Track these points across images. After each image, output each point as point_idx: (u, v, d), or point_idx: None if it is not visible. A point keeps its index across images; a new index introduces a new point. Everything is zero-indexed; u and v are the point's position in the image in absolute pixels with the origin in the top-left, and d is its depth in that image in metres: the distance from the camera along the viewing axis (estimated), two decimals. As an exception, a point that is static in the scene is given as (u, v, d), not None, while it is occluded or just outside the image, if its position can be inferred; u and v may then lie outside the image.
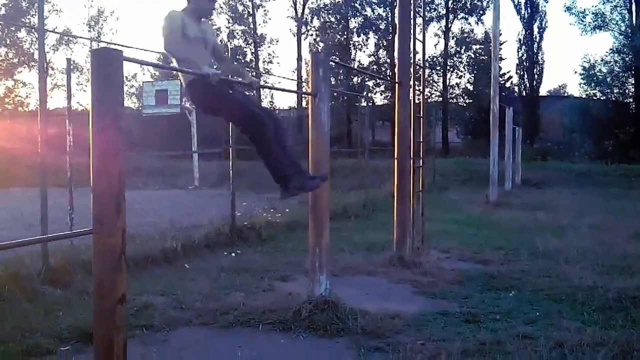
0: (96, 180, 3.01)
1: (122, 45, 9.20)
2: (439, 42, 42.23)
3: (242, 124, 4.24)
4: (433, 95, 41.57)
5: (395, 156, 7.53)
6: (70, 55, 41.44)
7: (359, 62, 42.74)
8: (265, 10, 43.69)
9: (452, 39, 42.39)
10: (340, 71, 38.42)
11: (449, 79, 42.73)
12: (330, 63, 5.71)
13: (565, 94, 48.47)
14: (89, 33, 41.66)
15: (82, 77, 39.53)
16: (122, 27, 53.26)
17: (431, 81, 41.28)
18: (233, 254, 7.68)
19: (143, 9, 67.27)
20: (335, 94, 32.56)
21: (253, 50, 42.50)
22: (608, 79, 36.45)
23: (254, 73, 39.89)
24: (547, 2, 42.07)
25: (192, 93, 4.26)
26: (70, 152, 6.86)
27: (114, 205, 3.00)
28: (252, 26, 42.52)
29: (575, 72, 45.63)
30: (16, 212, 9.56)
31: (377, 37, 42.49)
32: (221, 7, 41.75)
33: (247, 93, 4.19)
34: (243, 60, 40.80)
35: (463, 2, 41.92)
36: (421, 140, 8.09)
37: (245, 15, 42.26)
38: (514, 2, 41.26)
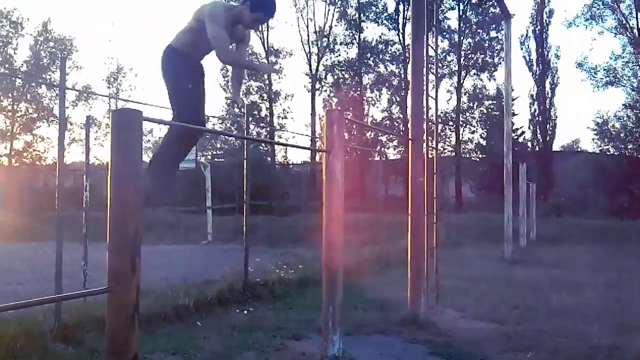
0: (112, 237, 3.03)
1: (140, 103, 9.41)
2: (451, 97, 42.74)
3: (178, 117, 4.49)
4: (446, 150, 41.76)
5: (409, 212, 7.52)
6: (89, 111, 42.36)
7: (372, 117, 43.26)
8: (280, 66, 44.59)
9: (465, 94, 42.90)
10: (354, 126, 38.82)
11: (462, 134, 43.03)
12: (344, 120, 5.79)
13: (579, 149, 48.48)
14: (107, 89, 42.62)
15: (100, 132, 40.25)
16: (140, 83, 54.53)
17: (444, 136, 41.56)
18: (245, 312, 7.61)
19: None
20: (348, 149, 32.80)
21: (268, 106, 43.16)
22: (621, 135, 36.52)
23: (268, 128, 40.47)
24: (558, 59, 42.54)
25: (166, 58, 4.54)
26: (87, 207, 6.93)
27: (130, 263, 3.01)
28: (267, 82, 43.30)
29: (588, 127, 45.82)
30: (31, 265, 9.58)
31: (389, 92, 43.09)
32: (237, 64, 42.52)
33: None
34: (258, 116, 41.41)
35: (475, 59, 42.55)
36: (435, 196, 8.09)
37: (261, 73, 43.04)
38: (525, 59, 41.89)
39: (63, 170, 6.16)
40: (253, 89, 43.14)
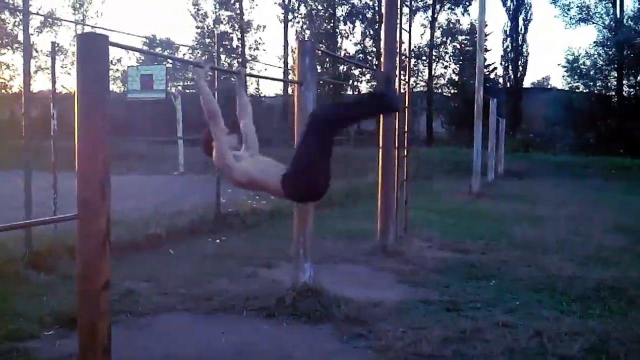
0: (81, 165, 3.01)
1: (108, 30, 9.13)
2: (425, 32, 42.23)
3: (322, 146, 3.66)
4: (418, 85, 41.67)
5: (380, 145, 7.58)
6: (54, 38, 40.98)
7: (345, 50, 42.66)
8: (252, -4, 43.39)
9: (438, 29, 42.42)
10: (327, 59, 38.32)
11: (435, 69, 42.85)
12: (317, 52, 5.73)
13: (549, 87, 48.76)
14: (73, 16, 41.12)
15: (67, 60, 39.06)
16: (107, 9, 52.70)
17: (416, 71, 41.35)
18: (217, 241, 7.70)
19: (128, -8, 66.41)
20: (321, 82, 32.50)
21: (239, 37, 42.24)
22: (591, 72, 36.76)
23: (240, 59, 39.78)
24: (533, -6, 42.00)
25: (291, 193, 3.55)
26: (54, 136, 6.82)
27: (99, 190, 3.01)
28: (238, 12, 42.21)
29: (559, 64, 45.94)
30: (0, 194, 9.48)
31: (363, 25, 42.39)
32: (208, -8, 41.41)
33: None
34: (229, 47, 40.57)
35: (450, -8, 41.94)
36: (406, 130, 8.14)
37: (232, 1, 41.92)
38: (500, -7, 41.36)
39: (29, 98, 6.02)
40: (224, 19, 42.10)
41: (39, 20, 38.15)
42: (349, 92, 34.63)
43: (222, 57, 36.05)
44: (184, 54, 38.43)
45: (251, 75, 44.42)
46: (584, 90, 37.36)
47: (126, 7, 64.68)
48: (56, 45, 16.01)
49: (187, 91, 34.11)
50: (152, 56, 31.76)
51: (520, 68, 41.63)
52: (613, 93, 36.96)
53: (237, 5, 41.87)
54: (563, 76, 39.72)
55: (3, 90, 38.70)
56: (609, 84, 37.15)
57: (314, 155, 3.43)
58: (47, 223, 4.64)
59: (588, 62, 37.14)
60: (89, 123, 2.99)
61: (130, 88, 19.89)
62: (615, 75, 36.39)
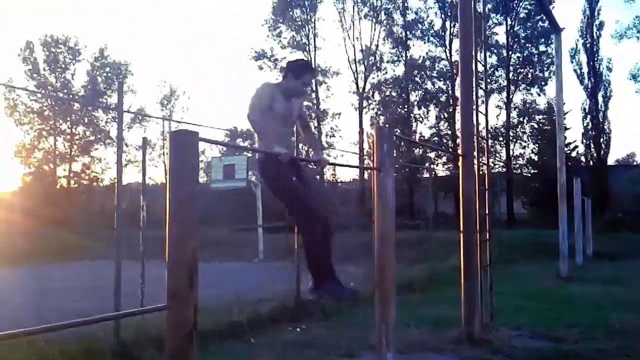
0: (171, 256, 3.11)
1: (194, 124, 9.64)
2: (500, 112, 42.15)
3: (293, 213, 4.41)
4: (496, 166, 41.14)
5: (461, 229, 7.44)
6: (143, 133, 43.54)
7: (420, 134, 42.99)
8: (327, 86, 44.83)
9: (514, 109, 42.25)
10: (402, 143, 38.66)
11: (513, 149, 42.33)
12: (393, 137, 5.80)
13: (635, 163, 46.97)
14: (161, 112, 43.76)
15: (154, 154, 41.31)
16: (192, 104, 55.92)
17: (494, 152, 40.95)
18: (298, 329, 7.64)
19: (212, 87, 70.30)
20: (397, 166, 32.66)
21: (316, 125, 43.47)
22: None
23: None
24: (610, 71, 41.44)
25: (261, 167, 4.45)
26: (144, 226, 7.12)
27: (188, 280, 3.09)
28: (315, 101, 43.64)
29: (645, 140, 44.41)
30: (90, 284, 9.87)
31: (437, 109, 42.81)
32: (286, 84, 43.16)
33: (316, 175, 4.30)
34: (305, 135, 41.65)
35: (524, 73, 41.93)
36: (486, 212, 7.98)
37: (309, 92, 43.52)
38: (576, 72, 41.01)
39: (121, 190, 6.36)
40: (301, 108, 43.55)
41: (129, 116, 40.83)
42: (426, 174, 34.49)
43: (300, 145, 37.00)
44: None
45: (331, 164, 45.32)
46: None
47: (210, 101, 68.26)
48: (146, 139, 16.94)
49: (267, 179, 34.94)
50: (234, 148, 33.06)
51: (603, 145, 40.52)
52: None
53: (314, 95, 43.35)
54: (649, 152, 38.24)
55: (94, 184, 41.08)
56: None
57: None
58: (138, 314, 4.76)
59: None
60: (180, 216, 3.12)
61: (213, 178, 20.69)
62: None
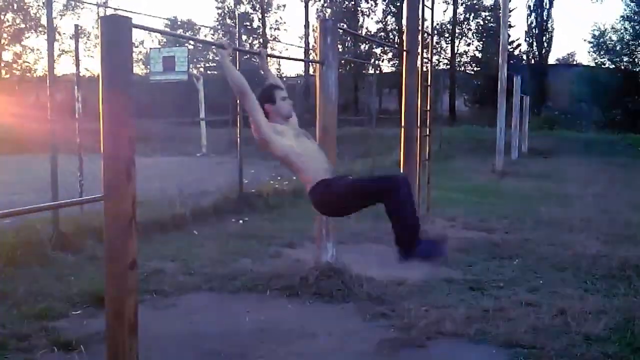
0: (106, 147, 3.05)
1: (130, 12, 9.17)
2: (447, 8, 41.74)
3: (374, 196, 3.46)
4: (441, 63, 41.21)
5: (402, 124, 7.54)
6: (77, 20, 41.25)
7: (367, 29, 42.34)
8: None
9: (461, 5, 41.86)
10: (348, 38, 38.07)
11: (457, 46, 42.36)
12: (338, 30, 5.69)
13: (575, 63, 47.93)
14: (95, -2, 41.32)
15: (90, 43, 39.42)
16: (128, -9, 52.88)
17: (439, 49, 40.90)
18: (241, 221, 7.76)
19: (148, -27, 66.40)
20: (342, 62, 32.32)
21: (260, 17, 42.13)
22: (618, 48, 36.05)
23: (262, 40, 39.66)
24: (558, -32, 41.19)
25: (316, 201, 3.45)
26: (79, 118, 6.91)
27: (125, 172, 3.04)
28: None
29: (585, 40, 45.13)
30: (26, 177, 9.64)
31: (385, 3, 41.98)
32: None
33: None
34: (250, 26, 40.42)
35: (473, -32, 41.29)
36: (428, 108, 8.08)
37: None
38: (524, -32, 40.60)
39: (54, 81, 6.09)
40: (244, -1, 42.01)
41: (61, 3, 38.43)
42: (371, 71, 34.34)
43: (244, 37, 35.96)
44: (205, 35, 38.50)
45: (272, 56, 44.31)
46: (611, 66, 36.66)
47: (147, -11, 64.71)
48: (79, 28, 16.06)
49: (209, 72, 34.18)
50: (173, 38, 31.83)
51: (545, 44, 41.00)
52: (640, 69, 36.26)
53: (256, -16, 41.71)
54: (589, 52, 39.13)
55: (28, 74, 39.18)
56: (637, 60, 36.40)
57: (360, 193, 3.40)
58: (74, 205, 4.72)
59: (614, 37, 36.44)
60: (113, 105, 3.02)
61: (152, 70, 20.03)
62: (643, 50, 35.68)
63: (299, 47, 41.35)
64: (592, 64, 37.96)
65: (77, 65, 7.52)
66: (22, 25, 39.25)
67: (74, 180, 6.66)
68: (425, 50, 8.06)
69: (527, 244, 6.64)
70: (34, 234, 5.61)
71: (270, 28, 42.29)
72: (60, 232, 5.78)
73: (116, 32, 3.02)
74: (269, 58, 4.11)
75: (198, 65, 35.58)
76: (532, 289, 4.95)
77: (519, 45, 40.47)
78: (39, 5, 38.07)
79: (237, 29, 10.45)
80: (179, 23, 34.97)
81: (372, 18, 43.25)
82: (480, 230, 7.47)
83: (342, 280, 4.85)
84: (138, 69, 34.43)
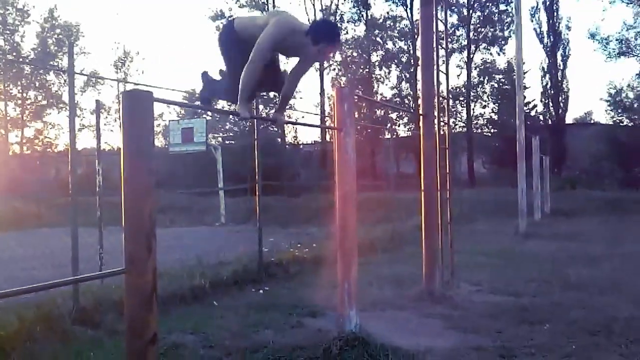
0: (128, 220, 3.04)
1: (150, 86, 9.39)
2: (461, 72, 42.35)
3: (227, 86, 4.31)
4: (457, 126, 41.49)
5: (422, 188, 7.49)
6: (97, 96, 42.48)
7: (382, 95, 42.98)
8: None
9: (475, 69, 42.47)
10: (364, 104, 38.60)
11: (473, 109, 42.71)
12: (355, 97, 5.75)
13: (592, 121, 47.98)
14: (116, 74, 42.66)
15: (110, 118, 40.40)
16: (148, 66, 54.65)
17: (455, 112, 41.25)
18: (261, 291, 7.65)
19: (168, 48, 68.71)
20: (359, 127, 32.66)
21: (277, 86, 42.98)
22: (635, 105, 36.09)
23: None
24: (569, 30, 41.98)
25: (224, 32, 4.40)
26: (100, 192, 6.96)
27: (145, 245, 3.02)
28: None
29: (601, 99, 45.28)
30: (46, 251, 9.67)
31: (399, 69, 42.75)
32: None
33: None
34: (266, 96, 41.21)
35: (484, 32, 42.07)
36: (447, 171, 8.04)
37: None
38: (536, 31, 41.33)
39: (75, 156, 6.18)
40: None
41: (82, 80, 39.68)
42: (388, 135, 34.66)
43: (260, 107, 36.66)
44: (222, 107, 39.27)
45: (290, 122, 45.06)
46: (629, 124, 36.62)
47: (166, 64, 66.88)
48: (100, 103, 16.55)
49: (227, 142, 34.67)
50: (192, 110, 32.54)
51: (561, 104, 41.16)
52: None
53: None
54: (606, 110, 39.15)
55: (48, 150, 40.04)
56: (655, 116, 36.40)
57: None
58: (95, 278, 4.69)
59: (631, 95, 36.52)
60: (134, 178, 3.03)
61: (172, 142, 20.35)
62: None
63: (314, 114, 41.95)
64: (610, 122, 37.94)
65: (99, 139, 7.64)
66: (44, 102, 40.44)
67: (93, 253, 6.65)
68: (441, 114, 8.10)
69: (557, 307, 6.43)
70: (54, 309, 5.56)
71: (287, 97, 43.09)
72: (79, 307, 5.73)
73: (137, 106, 3.07)
74: (285, 125, 4.26)
75: (216, 135, 36.16)
76: (565, 355, 4.76)
77: (535, 106, 40.71)
78: (60, 83, 39.33)
79: (254, 100, 10.65)
80: (196, 95, 35.81)
81: (386, 84, 43.97)
82: (507, 294, 7.27)
83: (367, 350, 4.70)
84: (157, 141, 35.13)
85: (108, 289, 6.41)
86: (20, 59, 38.76)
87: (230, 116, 38.77)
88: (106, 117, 40.15)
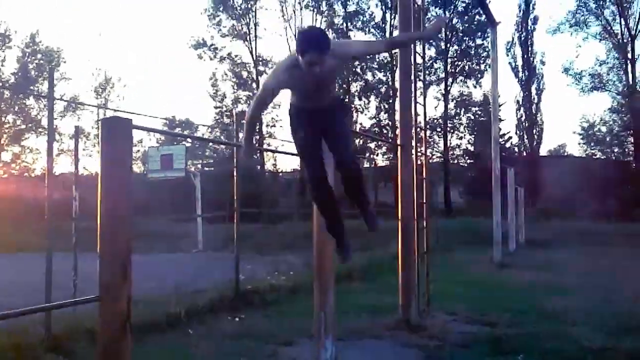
0: (103, 246, 3.03)
1: (130, 112, 9.40)
2: (438, 104, 42.95)
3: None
4: (434, 156, 41.93)
5: (399, 217, 7.55)
6: (77, 121, 42.20)
7: (361, 124, 43.33)
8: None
9: (452, 101, 43.12)
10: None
11: (450, 140, 43.24)
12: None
13: (565, 154, 48.81)
14: (96, 100, 42.49)
15: (89, 143, 40.13)
16: (128, 92, 54.44)
17: (432, 142, 41.71)
18: (237, 319, 7.59)
19: (149, 75, 68.68)
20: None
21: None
22: (607, 139, 36.88)
23: (258, 137, 40.40)
24: (544, 65, 42.96)
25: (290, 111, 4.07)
26: (77, 217, 6.91)
27: (121, 271, 3.01)
28: (255, 92, 43.31)
29: (574, 132, 46.22)
30: (21, 278, 9.52)
31: (377, 100, 43.23)
32: (226, 74, 42.83)
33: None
34: (246, 124, 41.28)
35: (461, 66, 42.81)
36: (424, 201, 8.13)
37: (250, 82, 43.13)
38: (511, 65, 42.20)
39: (53, 181, 6.14)
40: (242, 99, 43.22)
41: (62, 105, 39.44)
42: (366, 164, 34.88)
43: (240, 135, 36.66)
44: (202, 134, 39.29)
45: (270, 150, 45.14)
46: (602, 157, 37.37)
47: (147, 90, 66.76)
48: (79, 128, 16.55)
49: (206, 169, 34.59)
50: (172, 136, 32.50)
51: (536, 136, 41.91)
52: (631, 159, 36.91)
53: (255, 85, 43.07)
54: (579, 143, 39.91)
55: (26, 174, 39.57)
56: (626, 150, 37.17)
57: None
58: (68, 306, 4.63)
59: (604, 129, 37.34)
60: (111, 204, 3.03)
61: (150, 168, 20.29)
62: (632, 141, 36.45)
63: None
64: (583, 155, 38.71)
65: (76, 165, 7.63)
66: (23, 127, 40.10)
67: (67, 279, 6.57)
68: (419, 144, 8.22)
69: (531, 338, 6.48)
70: (25, 337, 5.47)
71: (267, 125, 43.27)
72: (52, 335, 5.64)
73: (116, 132, 3.09)
74: (265, 154, 4.29)
75: (195, 162, 36.08)
76: (538, 385, 4.79)
77: (510, 137, 41.39)
78: (39, 107, 39.07)
79: (234, 127, 10.71)
80: (177, 122, 35.78)
81: (365, 114, 44.38)
82: (482, 324, 7.32)
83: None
84: (136, 167, 34.90)
85: (81, 316, 6.31)
86: (0, 84, 38.46)
87: (210, 144, 38.84)
88: (85, 143, 39.92)
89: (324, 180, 4.04)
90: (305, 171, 4.07)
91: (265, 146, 38.79)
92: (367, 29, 43.14)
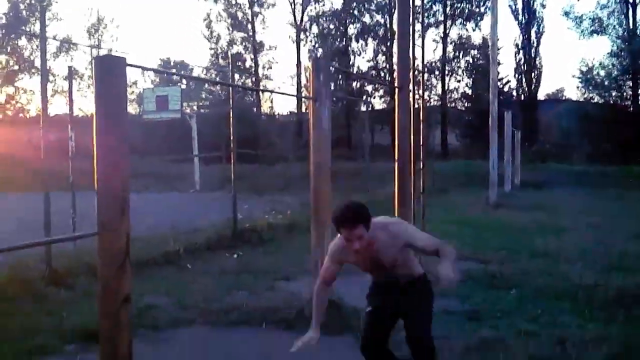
0: (100, 185, 3.04)
1: (124, 52, 9.26)
2: (437, 47, 42.40)
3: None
4: (432, 100, 41.68)
5: (396, 159, 7.57)
6: (70, 62, 41.62)
7: (358, 67, 42.87)
8: (264, 18, 43.76)
9: (451, 44, 42.55)
10: (340, 77, 38.49)
11: (448, 83, 42.90)
12: (330, 69, 5.76)
13: (564, 98, 48.54)
14: (89, 40, 41.78)
15: (83, 84, 39.68)
16: (122, 33, 53.43)
17: (430, 85, 41.38)
18: (235, 256, 7.71)
19: (143, 14, 67.42)
20: (334, 99, 32.64)
21: (253, 57, 42.63)
22: (606, 82, 36.57)
23: (254, 78, 40.00)
24: (544, 8, 42.27)
25: None
26: (72, 157, 6.92)
27: (118, 209, 3.02)
28: (251, 33, 42.62)
29: (573, 76, 45.80)
30: (18, 216, 9.59)
31: (375, 43, 42.62)
32: (220, 15, 42.03)
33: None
34: (243, 67, 40.84)
35: (461, 8, 42.05)
36: (421, 143, 8.12)
37: (245, 23, 42.38)
38: (511, 8, 41.40)
39: (47, 121, 6.12)
40: (237, 40, 42.55)
41: (55, 45, 38.80)
42: (363, 108, 34.74)
43: (237, 76, 36.27)
44: (198, 75, 38.84)
45: (265, 91, 44.84)
46: (599, 101, 37.16)
47: (141, 31, 65.65)
48: (72, 69, 16.31)
49: (202, 111, 34.38)
50: (167, 78, 32.13)
51: (534, 80, 41.51)
52: (629, 102, 36.74)
53: (250, 26, 42.32)
54: (577, 87, 39.64)
55: (20, 115, 39.29)
56: (624, 94, 36.95)
57: None
58: (68, 240, 4.69)
59: (602, 73, 37.00)
60: (107, 143, 3.02)
61: (146, 109, 20.15)
62: (630, 84, 36.20)
63: (291, 85, 41.72)
64: (581, 99, 38.45)
65: (71, 105, 7.60)
66: (16, 67, 39.56)
67: (66, 217, 6.64)
68: (416, 87, 8.15)
69: (524, 274, 6.61)
70: (26, 271, 5.57)
71: (263, 67, 42.77)
72: (52, 269, 5.73)
73: (110, 71, 3.04)
74: (261, 94, 4.15)
75: (191, 103, 35.80)
76: (530, 318, 4.92)
77: (508, 81, 41.01)
78: (32, 48, 38.45)
79: (230, 69, 10.59)
80: (172, 64, 35.33)
81: (362, 57, 43.87)
82: (476, 261, 7.43)
83: (339, 313, 4.81)
84: (131, 108, 34.62)
85: (81, 252, 6.41)
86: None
87: (206, 85, 38.49)
88: (79, 84, 39.46)
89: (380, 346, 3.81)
90: (361, 331, 3.90)
91: (261, 86, 38.44)
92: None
